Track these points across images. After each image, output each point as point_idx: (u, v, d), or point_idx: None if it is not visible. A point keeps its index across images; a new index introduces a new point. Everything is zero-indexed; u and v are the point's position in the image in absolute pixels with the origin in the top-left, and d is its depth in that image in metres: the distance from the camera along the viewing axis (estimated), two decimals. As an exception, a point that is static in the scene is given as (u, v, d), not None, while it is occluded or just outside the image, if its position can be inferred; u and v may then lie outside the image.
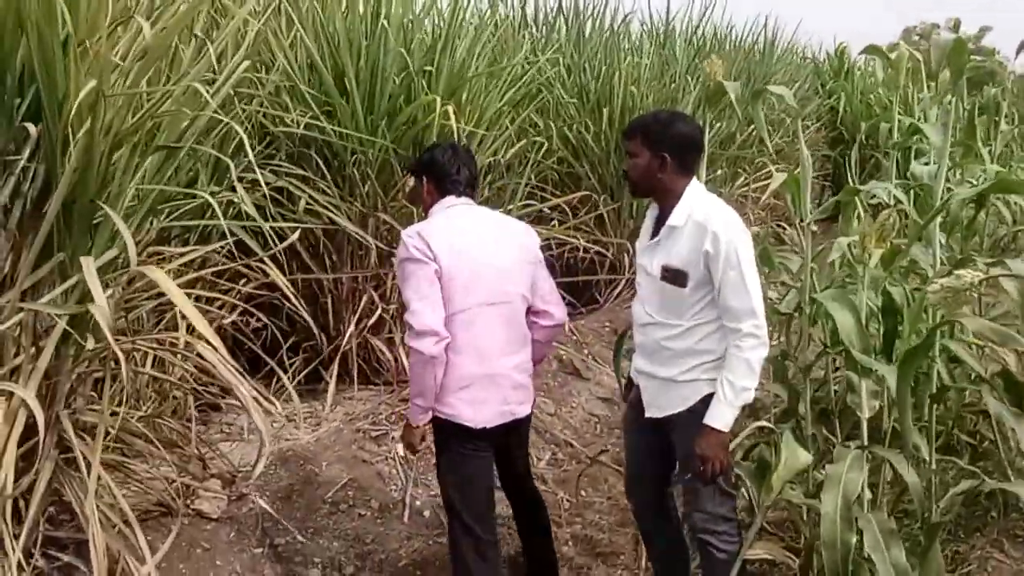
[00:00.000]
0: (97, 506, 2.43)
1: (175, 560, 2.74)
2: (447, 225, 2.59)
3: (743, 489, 2.80)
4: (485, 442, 2.63)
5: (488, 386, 2.57)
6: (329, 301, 4.44)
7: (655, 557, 2.78)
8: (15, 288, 2.24)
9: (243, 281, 4.01)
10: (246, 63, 3.25)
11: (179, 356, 2.85)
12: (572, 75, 6.01)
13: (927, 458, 2.67)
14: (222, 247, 3.81)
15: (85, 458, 2.41)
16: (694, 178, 2.45)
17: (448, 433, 2.60)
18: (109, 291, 2.60)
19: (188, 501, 2.97)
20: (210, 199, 2.35)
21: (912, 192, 3.07)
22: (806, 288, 2.52)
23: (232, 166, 2.45)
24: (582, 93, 5.96)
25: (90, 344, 2.44)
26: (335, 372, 4.18)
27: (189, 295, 3.64)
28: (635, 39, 7.16)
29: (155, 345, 2.57)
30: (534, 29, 6.50)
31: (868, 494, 2.39)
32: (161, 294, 3.27)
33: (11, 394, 2.19)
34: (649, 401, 2.52)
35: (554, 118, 5.83)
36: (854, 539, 2.08)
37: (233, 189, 4.03)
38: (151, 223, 2.79)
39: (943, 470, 3.01)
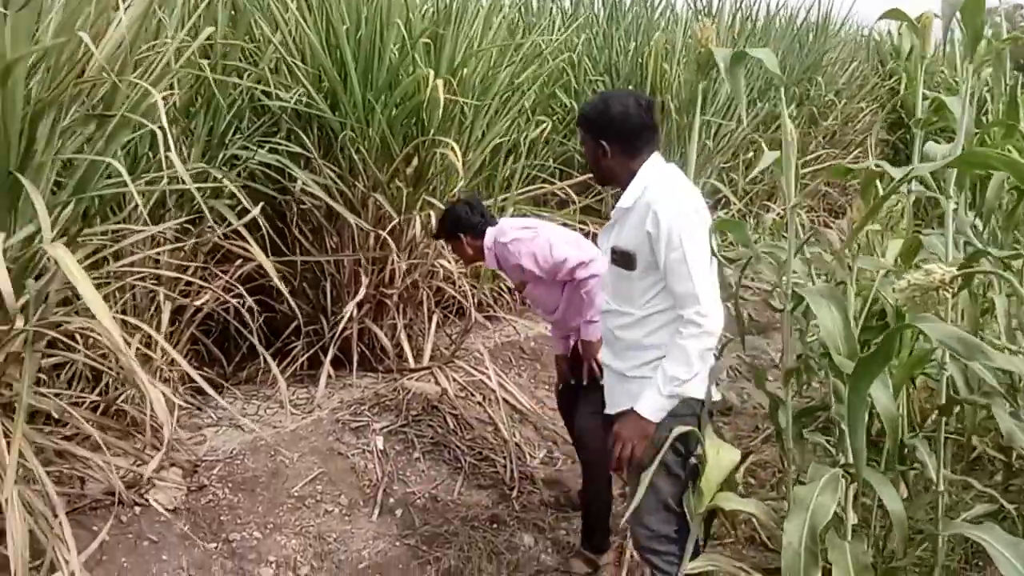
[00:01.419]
0: (20, 493, 2.33)
1: (117, 553, 2.62)
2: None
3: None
4: None
5: None
6: (329, 285, 4.30)
7: None
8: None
9: (239, 262, 3.89)
10: (210, 30, 3.13)
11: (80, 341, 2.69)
12: (603, 52, 5.71)
13: (934, 477, 2.37)
14: (210, 227, 3.71)
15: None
16: (653, 156, 2.27)
17: None
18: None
19: (143, 491, 2.85)
20: (127, 178, 2.17)
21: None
22: (788, 282, 2.22)
23: (164, 135, 2.25)
24: (612, 70, 5.66)
25: (19, 324, 2.32)
26: (330, 358, 4.03)
27: (179, 279, 3.57)
28: (679, 13, 6.81)
29: (54, 328, 2.41)
30: (566, 2, 6.21)
31: (854, 518, 2.11)
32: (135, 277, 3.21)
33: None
34: (607, 397, 2.38)
35: (582, 97, 5.55)
36: (819, 574, 1.80)
37: (230, 166, 3.97)
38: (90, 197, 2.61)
39: (962, 490, 2.68)
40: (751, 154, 5.99)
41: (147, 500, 2.84)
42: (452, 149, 3.75)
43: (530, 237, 3.00)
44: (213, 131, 3.75)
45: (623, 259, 2.26)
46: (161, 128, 2.19)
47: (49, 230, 2.08)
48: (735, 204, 5.55)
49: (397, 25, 3.88)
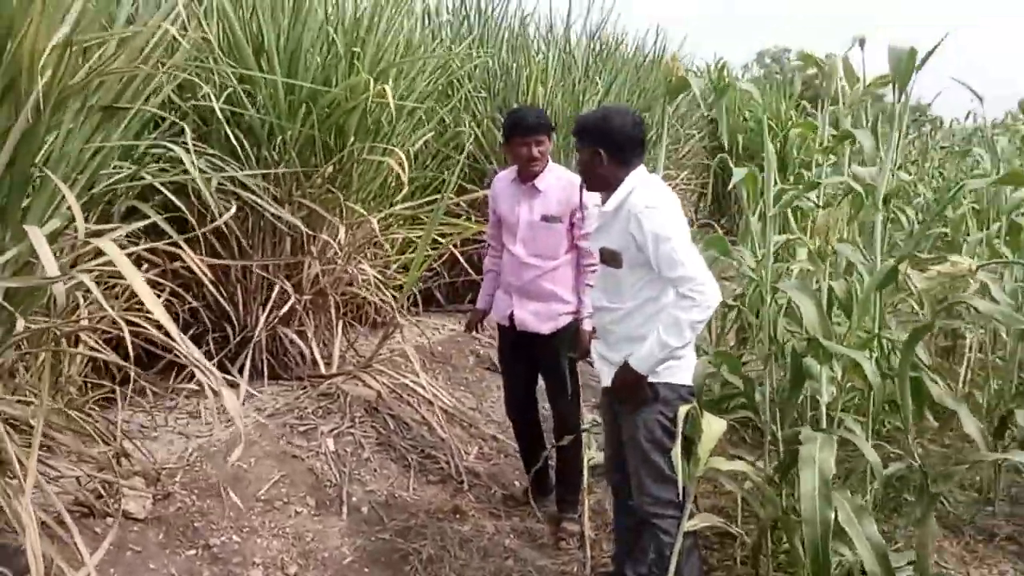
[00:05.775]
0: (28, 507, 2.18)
1: (105, 564, 2.48)
2: None
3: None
4: None
5: None
6: (238, 290, 4.19)
7: (618, 535, 2.85)
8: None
9: (144, 267, 3.72)
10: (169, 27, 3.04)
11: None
12: (481, 71, 5.98)
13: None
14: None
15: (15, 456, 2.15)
16: (639, 167, 2.56)
17: None
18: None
19: (112, 500, 2.71)
20: (150, 177, 2.13)
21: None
22: (767, 279, 2.61)
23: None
24: (491, 89, 5.94)
25: (20, 326, 2.18)
26: (246, 365, 3.93)
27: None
28: (531, 41, 7.21)
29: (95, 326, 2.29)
30: (450, 19, 6.40)
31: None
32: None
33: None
34: (603, 380, 2.63)
35: (465, 113, 5.77)
36: (832, 515, 2.18)
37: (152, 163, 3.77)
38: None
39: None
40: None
41: (118, 510, 2.70)
42: (392, 153, 3.85)
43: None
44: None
45: (611, 258, 2.54)
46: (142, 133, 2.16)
47: (83, 224, 1.99)
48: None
49: (326, 31, 3.92)
